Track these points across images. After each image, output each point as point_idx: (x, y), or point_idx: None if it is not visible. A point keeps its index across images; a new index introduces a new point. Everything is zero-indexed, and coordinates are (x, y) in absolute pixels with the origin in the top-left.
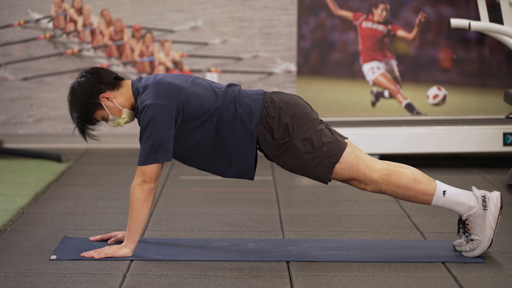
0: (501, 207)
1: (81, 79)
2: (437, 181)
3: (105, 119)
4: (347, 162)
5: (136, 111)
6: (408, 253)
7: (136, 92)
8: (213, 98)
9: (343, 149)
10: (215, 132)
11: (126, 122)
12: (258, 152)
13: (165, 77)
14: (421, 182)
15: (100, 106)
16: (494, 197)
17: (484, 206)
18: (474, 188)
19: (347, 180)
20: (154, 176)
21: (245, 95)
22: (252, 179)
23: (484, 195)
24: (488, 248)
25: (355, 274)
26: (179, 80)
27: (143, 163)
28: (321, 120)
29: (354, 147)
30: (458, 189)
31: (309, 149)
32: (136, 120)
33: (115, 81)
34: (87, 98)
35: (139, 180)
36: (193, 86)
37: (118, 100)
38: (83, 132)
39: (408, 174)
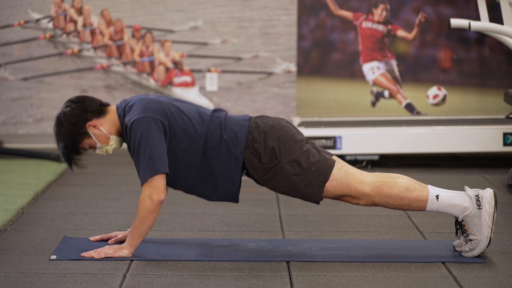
0: (495, 204)
1: (67, 108)
2: (429, 186)
3: (93, 147)
4: (337, 179)
5: (124, 130)
6: (408, 253)
7: (122, 115)
8: (199, 121)
9: (332, 167)
10: (201, 156)
11: (115, 149)
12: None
13: (149, 95)
14: (413, 190)
15: (87, 135)
16: (488, 195)
17: (479, 206)
18: (466, 187)
19: (339, 197)
20: (161, 187)
21: (231, 121)
22: (237, 202)
23: (477, 194)
24: (487, 246)
25: (355, 274)
26: (164, 98)
27: (145, 179)
28: (307, 140)
29: (342, 163)
30: (451, 191)
31: (297, 171)
32: None
33: (100, 108)
34: (73, 128)
35: (147, 192)
36: (179, 106)
37: (105, 127)
38: (69, 161)
39: (400, 183)
